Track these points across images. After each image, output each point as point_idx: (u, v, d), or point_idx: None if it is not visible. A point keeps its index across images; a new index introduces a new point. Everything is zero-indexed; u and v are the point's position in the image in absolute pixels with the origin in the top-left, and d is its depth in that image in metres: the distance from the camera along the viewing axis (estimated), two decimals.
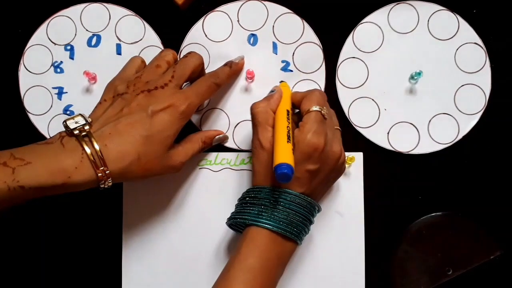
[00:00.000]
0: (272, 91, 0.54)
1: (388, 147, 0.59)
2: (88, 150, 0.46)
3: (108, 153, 0.47)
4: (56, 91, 0.60)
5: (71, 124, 0.47)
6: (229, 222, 0.52)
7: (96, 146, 0.46)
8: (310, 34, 0.59)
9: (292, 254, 0.52)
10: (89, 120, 0.49)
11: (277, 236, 0.49)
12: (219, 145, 0.59)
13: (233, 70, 0.56)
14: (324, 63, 0.59)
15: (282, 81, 0.59)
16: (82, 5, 0.60)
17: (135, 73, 0.53)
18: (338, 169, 0.53)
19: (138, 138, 0.48)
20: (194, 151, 0.54)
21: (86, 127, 0.47)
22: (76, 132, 0.47)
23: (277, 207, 0.49)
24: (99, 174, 0.46)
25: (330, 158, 0.50)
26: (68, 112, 0.60)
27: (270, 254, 0.49)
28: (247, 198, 0.51)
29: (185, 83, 0.54)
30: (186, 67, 0.52)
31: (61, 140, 0.47)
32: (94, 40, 0.60)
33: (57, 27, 0.60)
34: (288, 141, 0.48)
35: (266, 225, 0.49)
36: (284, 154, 0.47)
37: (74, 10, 0.60)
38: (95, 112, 0.50)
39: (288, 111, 0.52)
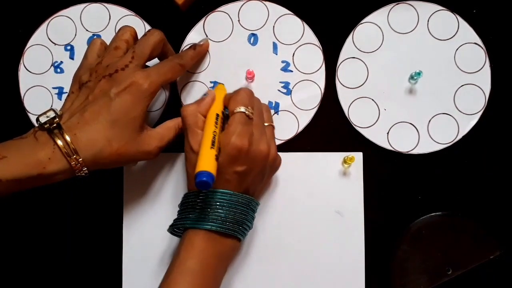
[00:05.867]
0: (205, 94, 0.54)
1: (388, 147, 0.59)
2: (58, 141, 0.47)
3: (78, 142, 0.48)
4: (56, 91, 0.60)
5: (43, 119, 0.49)
6: (170, 229, 0.53)
7: (66, 137, 0.48)
8: (310, 35, 0.60)
9: (235, 250, 0.53)
10: (60, 113, 0.50)
11: (215, 235, 0.50)
12: None
13: (197, 51, 0.56)
14: (324, 64, 0.60)
15: (220, 84, 0.58)
16: (82, 5, 0.60)
17: (97, 58, 0.53)
18: (271, 166, 0.54)
19: (105, 124, 0.49)
20: (170, 136, 0.54)
21: (56, 120, 0.48)
22: (47, 125, 0.48)
23: (213, 208, 0.50)
24: (72, 163, 0.48)
25: (257, 158, 0.50)
26: None
27: (208, 254, 0.50)
28: (185, 203, 0.52)
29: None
30: (146, 46, 0.52)
31: (35, 134, 0.48)
32: None
33: (57, 27, 0.60)
34: (212, 147, 0.48)
35: (203, 226, 0.49)
36: (204, 162, 0.47)
37: (74, 10, 0.60)
38: (65, 105, 0.52)
39: (217, 114, 0.52)
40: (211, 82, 0.59)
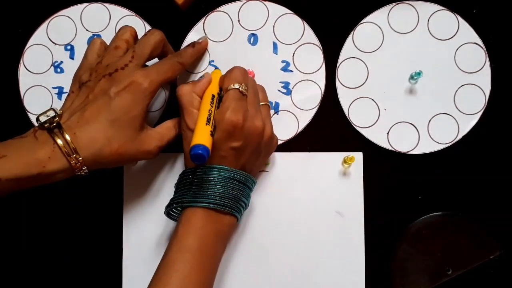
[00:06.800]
0: (201, 76, 0.54)
1: (388, 147, 0.59)
2: (58, 140, 0.47)
3: (77, 141, 0.48)
4: (56, 91, 0.60)
5: (43, 118, 0.49)
6: (167, 210, 0.53)
7: (66, 136, 0.48)
8: (310, 35, 0.60)
9: (232, 228, 0.53)
10: (60, 112, 0.50)
11: (212, 212, 0.50)
12: None
13: (196, 49, 0.56)
14: (324, 64, 0.60)
15: (216, 69, 0.59)
16: (83, 5, 0.60)
17: (97, 57, 0.53)
18: (267, 144, 0.54)
19: (105, 123, 0.49)
20: (170, 136, 0.54)
21: (56, 119, 0.48)
22: (47, 125, 0.48)
23: (210, 184, 0.50)
24: (72, 162, 0.48)
25: (252, 134, 0.51)
26: None
27: (207, 232, 0.50)
28: (181, 182, 0.53)
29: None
30: (146, 45, 0.52)
31: (35, 133, 0.49)
32: None
33: (57, 27, 0.60)
34: (207, 123, 0.49)
35: (199, 204, 0.50)
36: (199, 136, 0.48)
37: (74, 10, 0.60)
38: (65, 105, 0.52)
39: (213, 95, 0.52)
40: None
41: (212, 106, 0.51)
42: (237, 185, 0.51)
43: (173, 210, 0.53)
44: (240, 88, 0.51)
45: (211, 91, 0.53)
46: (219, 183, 0.50)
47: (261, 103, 0.54)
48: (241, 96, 0.51)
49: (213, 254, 0.51)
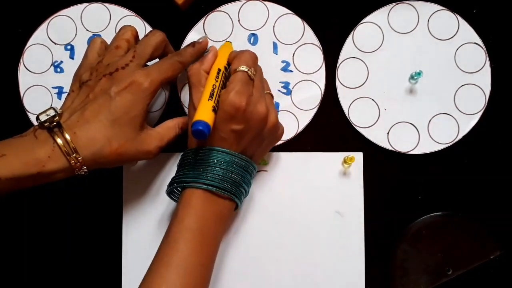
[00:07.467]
0: (207, 50, 0.54)
1: (388, 147, 0.59)
2: (58, 139, 0.47)
3: (77, 140, 0.48)
4: (56, 90, 0.60)
5: (43, 117, 0.49)
6: (168, 190, 0.53)
7: (66, 135, 0.48)
8: (310, 35, 0.60)
9: (232, 212, 0.53)
10: (60, 111, 0.50)
11: (212, 195, 0.50)
12: None
13: (196, 49, 0.56)
14: (324, 64, 0.60)
15: (227, 41, 0.59)
16: (83, 5, 0.60)
17: (97, 57, 0.53)
18: (270, 133, 0.53)
19: (105, 122, 0.49)
20: (170, 136, 0.54)
21: (56, 118, 0.48)
22: (47, 124, 0.48)
23: (209, 166, 0.50)
24: (72, 162, 0.48)
25: (254, 118, 0.50)
26: None
27: (206, 213, 0.50)
28: (183, 161, 0.53)
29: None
30: (147, 46, 0.52)
31: (34, 132, 0.49)
32: None
33: (58, 27, 0.60)
34: (210, 99, 0.49)
35: (199, 185, 0.50)
36: (201, 112, 0.48)
37: (74, 10, 0.60)
38: (65, 104, 0.52)
39: (219, 69, 0.52)
40: None
41: (216, 81, 0.51)
42: (238, 169, 0.51)
43: (174, 190, 0.53)
44: (248, 71, 0.51)
45: (217, 65, 0.53)
46: (219, 166, 0.50)
47: (265, 92, 0.54)
48: (248, 80, 0.51)
49: (213, 235, 0.51)
